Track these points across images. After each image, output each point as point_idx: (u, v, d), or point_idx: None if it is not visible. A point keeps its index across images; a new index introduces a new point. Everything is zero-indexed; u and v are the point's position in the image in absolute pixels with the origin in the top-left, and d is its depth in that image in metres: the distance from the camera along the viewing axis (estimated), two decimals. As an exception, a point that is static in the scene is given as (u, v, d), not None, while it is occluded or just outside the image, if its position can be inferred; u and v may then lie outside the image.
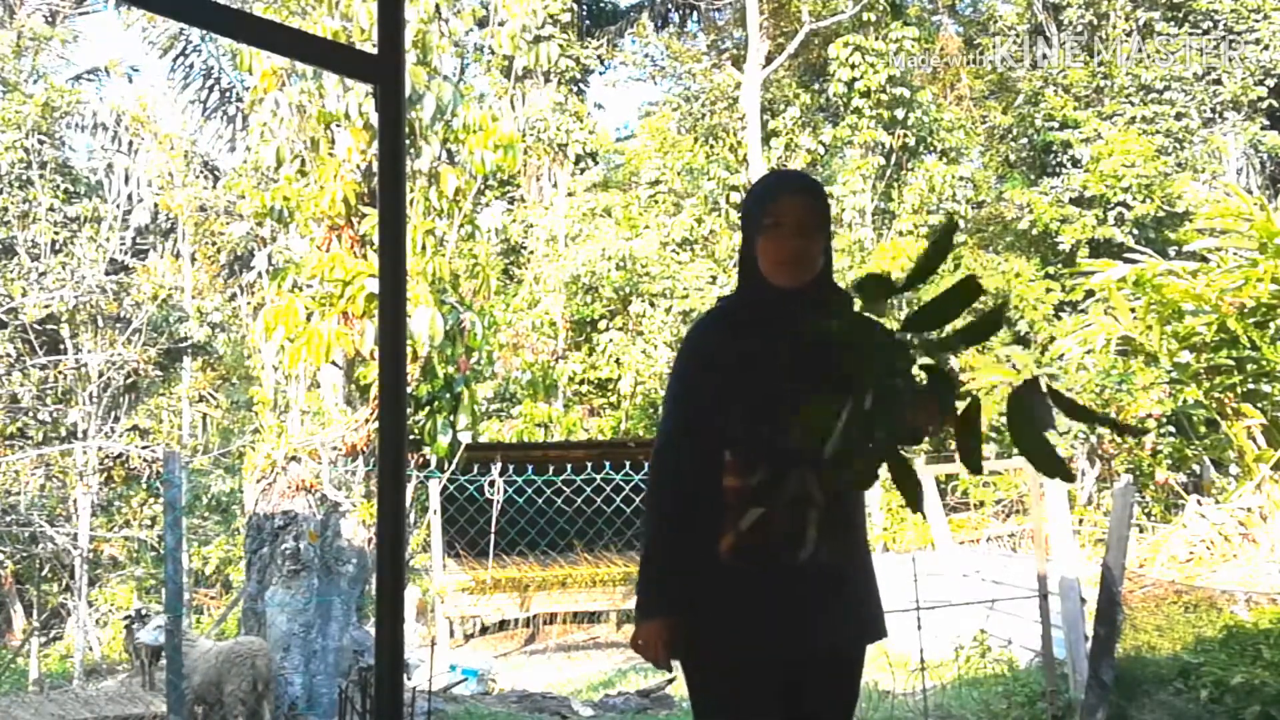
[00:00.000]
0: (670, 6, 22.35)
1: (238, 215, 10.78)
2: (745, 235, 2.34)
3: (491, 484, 10.90)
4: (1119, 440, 10.90)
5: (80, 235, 13.64)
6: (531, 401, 17.57)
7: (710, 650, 2.16)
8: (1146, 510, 10.52)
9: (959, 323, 1.87)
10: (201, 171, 15.64)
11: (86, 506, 12.20)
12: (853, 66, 18.23)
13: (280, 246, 9.10)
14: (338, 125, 8.13)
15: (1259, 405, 9.29)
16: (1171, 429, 10.66)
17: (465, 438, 8.33)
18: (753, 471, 2.09)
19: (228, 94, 16.81)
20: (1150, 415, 10.34)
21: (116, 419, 13.65)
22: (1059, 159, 18.16)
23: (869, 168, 18.32)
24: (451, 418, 8.06)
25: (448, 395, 8.08)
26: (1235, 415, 9.34)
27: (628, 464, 10.66)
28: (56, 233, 13.64)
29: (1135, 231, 16.30)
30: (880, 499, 13.56)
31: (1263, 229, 9.10)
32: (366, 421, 7.67)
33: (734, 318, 2.33)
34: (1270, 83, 17.61)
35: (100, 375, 13.00)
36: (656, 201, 19.38)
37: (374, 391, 7.55)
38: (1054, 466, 1.87)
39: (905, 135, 18.57)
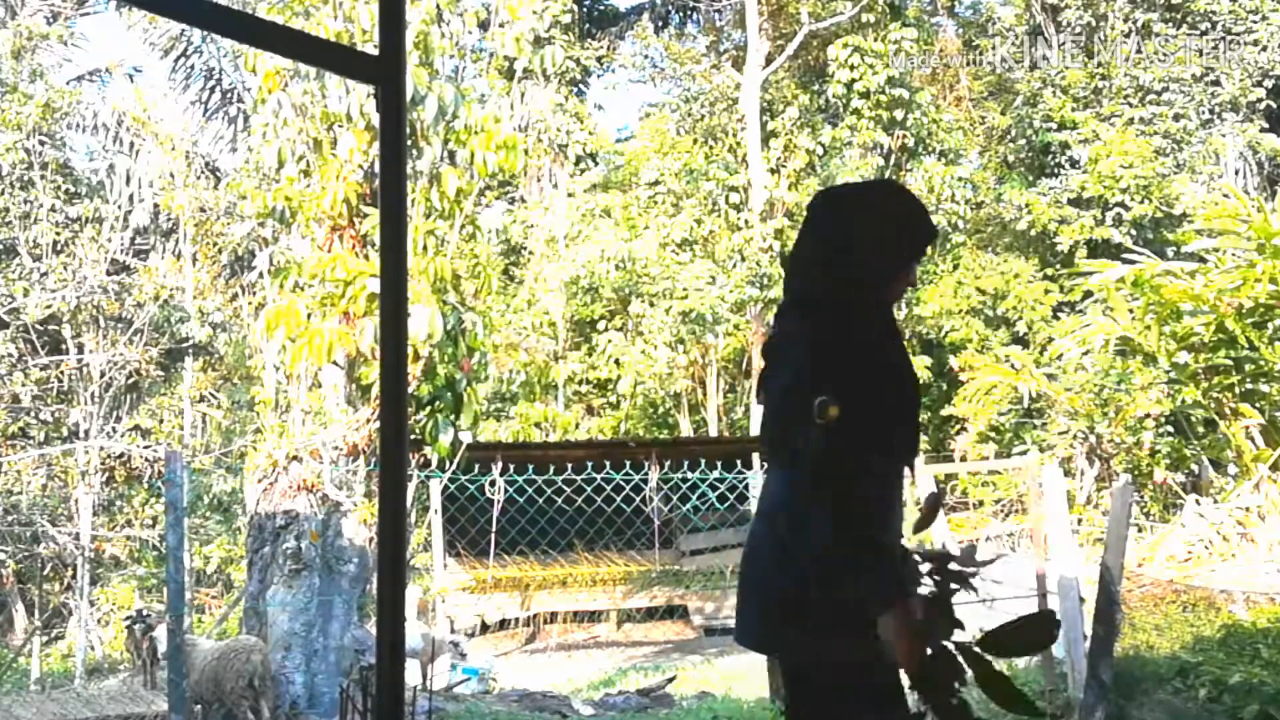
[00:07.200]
0: (670, 8, 22.36)
1: (239, 215, 10.81)
2: (887, 257, 2.26)
3: (492, 483, 10.94)
4: (1118, 439, 10.93)
5: (82, 236, 13.64)
6: (528, 401, 17.60)
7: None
8: (1145, 510, 10.53)
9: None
10: (203, 172, 15.65)
11: (88, 506, 12.22)
12: (852, 67, 18.24)
13: (282, 247, 9.09)
14: (340, 126, 8.15)
15: (1257, 405, 9.33)
16: (1170, 429, 10.69)
17: (466, 437, 8.35)
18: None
19: (229, 95, 16.82)
20: (1149, 415, 10.37)
21: (118, 419, 13.67)
22: (1057, 160, 18.18)
23: (868, 169, 18.33)
24: (453, 417, 8.08)
25: (449, 395, 8.10)
26: (1233, 415, 9.38)
27: (628, 464, 10.70)
28: (58, 233, 13.65)
29: (1133, 232, 16.33)
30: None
31: (1260, 230, 9.14)
32: (368, 421, 7.69)
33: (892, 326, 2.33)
34: (1268, 84, 17.63)
35: (102, 375, 13.02)
36: (656, 202, 19.39)
37: (375, 391, 7.58)
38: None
39: (904, 136, 18.59)
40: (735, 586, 2.47)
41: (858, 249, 2.23)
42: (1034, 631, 2.35)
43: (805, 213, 2.39)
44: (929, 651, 2.13)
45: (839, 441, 2.06)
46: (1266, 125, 17.85)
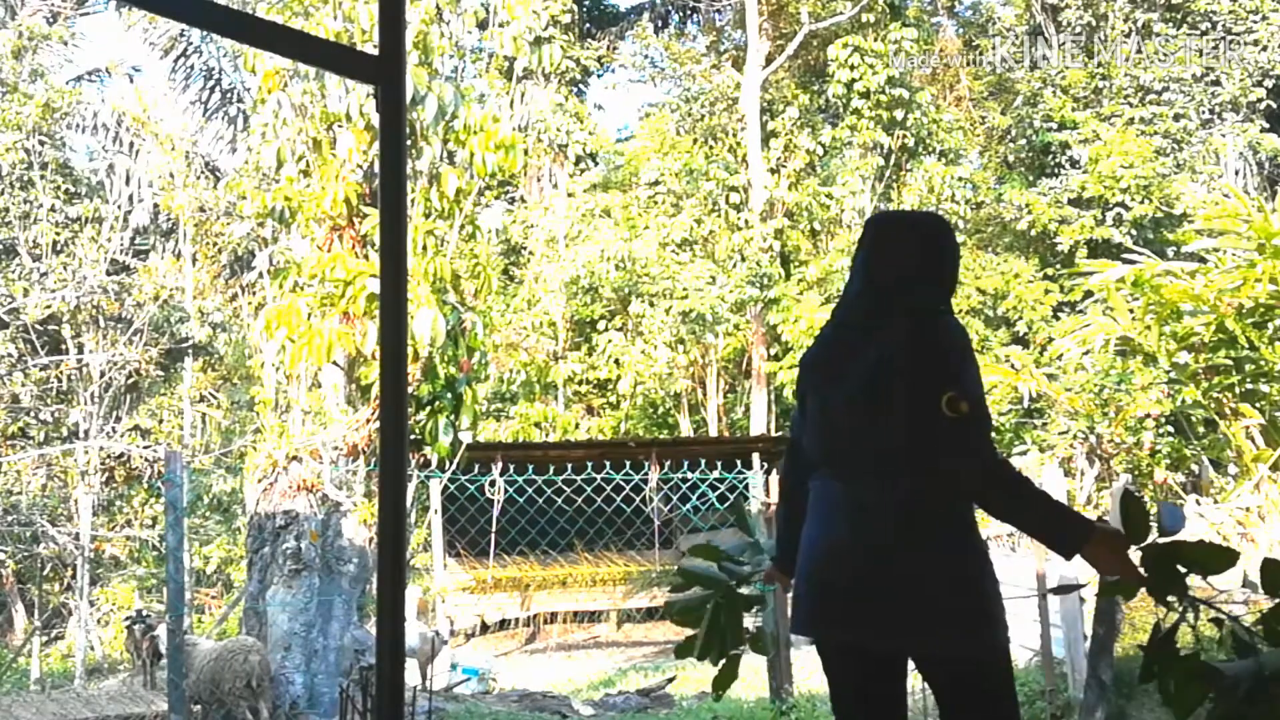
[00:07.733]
0: (670, 8, 22.36)
1: (239, 215, 10.80)
2: (954, 270, 2.62)
3: (492, 484, 10.93)
4: (1118, 439, 10.92)
5: (81, 235, 13.64)
6: (528, 401, 17.60)
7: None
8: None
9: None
10: (203, 172, 15.65)
11: (88, 506, 12.22)
12: (852, 67, 18.24)
13: (282, 247, 9.09)
14: (339, 126, 8.14)
15: (1257, 405, 9.32)
16: (1170, 429, 10.68)
17: (466, 438, 8.35)
18: None
19: (229, 95, 16.83)
20: (1149, 415, 10.37)
21: (118, 419, 13.67)
22: (1058, 160, 18.18)
23: (868, 168, 18.33)
24: (453, 418, 8.07)
25: (449, 395, 8.09)
26: (1233, 415, 9.37)
27: (628, 464, 10.70)
28: (58, 233, 13.65)
29: (1134, 232, 16.33)
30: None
31: (1260, 230, 9.13)
32: (368, 421, 7.69)
33: None
34: (1269, 84, 17.62)
35: (102, 375, 13.01)
36: (656, 202, 19.39)
37: (375, 391, 7.58)
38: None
39: (904, 136, 18.59)
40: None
41: (949, 260, 2.58)
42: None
43: (892, 231, 2.64)
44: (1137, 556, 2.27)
45: (973, 428, 2.28)
46: (1266, 125, 17.84)
